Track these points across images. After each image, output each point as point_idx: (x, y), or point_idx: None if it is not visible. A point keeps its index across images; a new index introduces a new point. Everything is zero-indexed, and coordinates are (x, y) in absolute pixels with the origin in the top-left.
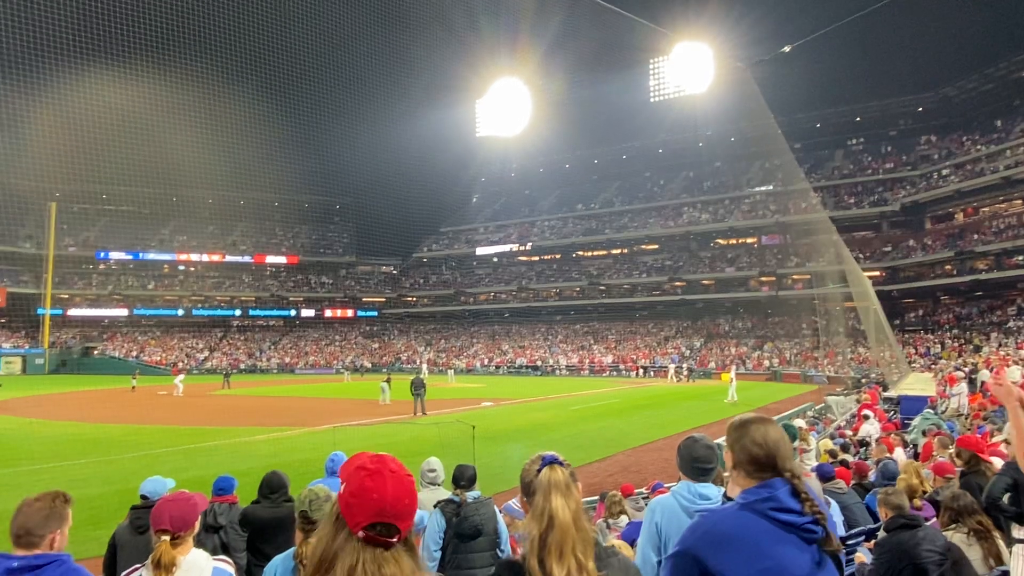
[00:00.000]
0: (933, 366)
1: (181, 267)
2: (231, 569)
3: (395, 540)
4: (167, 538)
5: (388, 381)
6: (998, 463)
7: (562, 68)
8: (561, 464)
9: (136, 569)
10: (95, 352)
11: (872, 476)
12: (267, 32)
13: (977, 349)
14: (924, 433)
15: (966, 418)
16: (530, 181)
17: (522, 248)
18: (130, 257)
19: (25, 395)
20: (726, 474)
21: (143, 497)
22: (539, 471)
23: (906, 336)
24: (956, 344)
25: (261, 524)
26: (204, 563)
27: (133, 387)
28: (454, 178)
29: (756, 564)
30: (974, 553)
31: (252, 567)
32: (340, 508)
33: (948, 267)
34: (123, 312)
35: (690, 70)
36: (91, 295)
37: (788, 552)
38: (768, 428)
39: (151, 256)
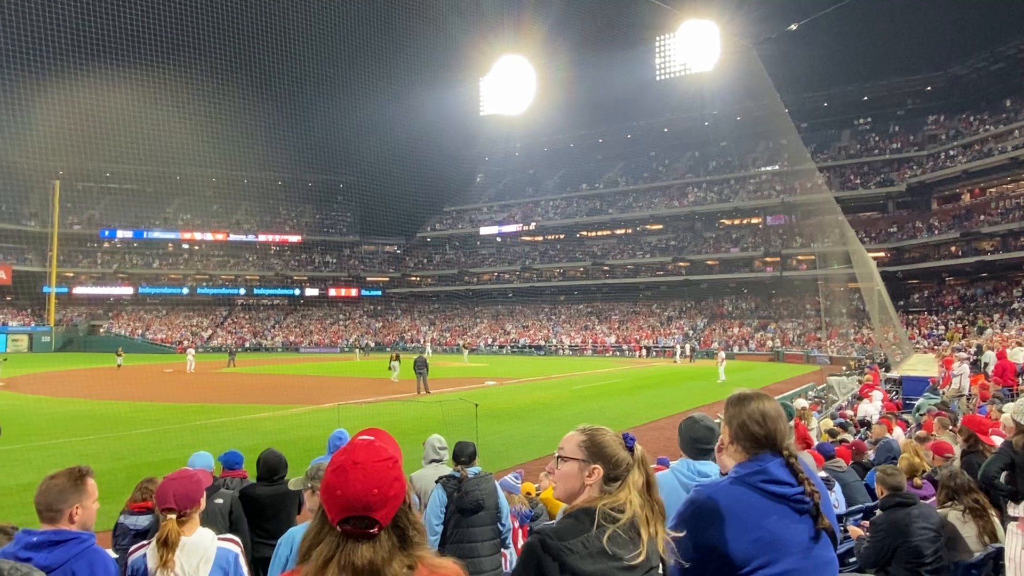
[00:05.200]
0: (937, 347)
1: (185, 246)
2: (237, 548)
3: (375, 531)
4: (173, 516)
5: (397, 359)
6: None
7: (567, 46)
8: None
9: (143, 546)
10: (101, 330)
11: (871, 455)
12: (271, 10)
13: (981, 331)
14: (924, 413)
15: (967, 399)
16: (534, 160)
17: (526, 228)
18: (134, 236)
19: (33, 372)
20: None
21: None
22: (631, 448)
23: (910, 317)
24: (960, 325)
25: (261, 503)
26: (209, 542)
27: (118, 365)
28: (458, 157)
29: (748, 535)
30: (969, 530)
31: (255, 543)
32: (322, 501)
33: (954, 248)
34: (128, 291)
35: (696, 48)
36: (96, 273)
37: (780, 523)
38: (766, 405)
39: (155, 235)
